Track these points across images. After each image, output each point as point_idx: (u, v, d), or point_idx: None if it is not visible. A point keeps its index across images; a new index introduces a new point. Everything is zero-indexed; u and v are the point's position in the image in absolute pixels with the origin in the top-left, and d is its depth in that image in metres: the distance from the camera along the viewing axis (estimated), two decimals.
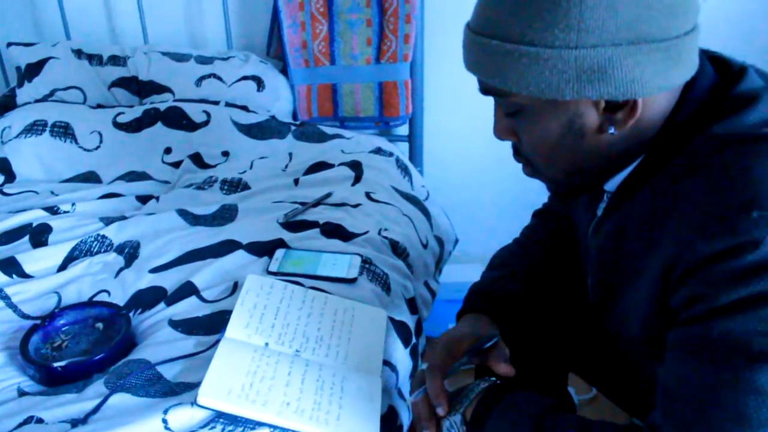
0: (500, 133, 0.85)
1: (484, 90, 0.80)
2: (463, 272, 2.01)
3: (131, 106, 1.84)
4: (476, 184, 2.20)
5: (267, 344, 1.05)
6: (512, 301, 1.08)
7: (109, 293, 1.25)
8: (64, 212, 1.49)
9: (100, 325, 1.18)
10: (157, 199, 1.56)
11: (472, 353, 0.97)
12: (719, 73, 0.78)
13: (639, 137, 0.77)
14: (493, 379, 0.96)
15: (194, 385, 0.97)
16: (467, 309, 1.10)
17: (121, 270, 1.31)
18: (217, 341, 1.04)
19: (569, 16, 0.67)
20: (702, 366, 0.68)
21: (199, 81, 1.86)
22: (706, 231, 0.67)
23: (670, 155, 0.76)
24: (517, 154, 0.86)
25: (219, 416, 0.92)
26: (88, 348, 1.13)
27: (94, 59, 1.91)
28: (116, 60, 1.92)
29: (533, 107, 0.76)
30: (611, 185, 0.85)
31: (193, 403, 0.92)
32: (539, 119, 0.77)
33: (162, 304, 1.20)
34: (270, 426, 0.92)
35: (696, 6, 0.72)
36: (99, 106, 1.87)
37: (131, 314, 1.19)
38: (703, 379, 0.68)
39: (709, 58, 0.79)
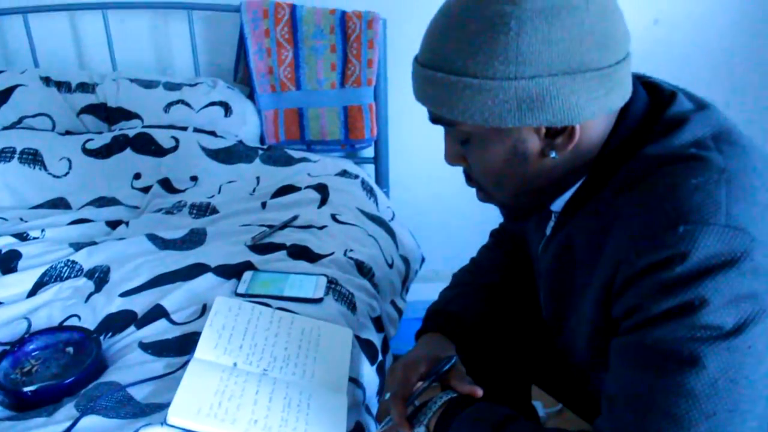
0: (451, 159, 0.90)
1: (434, 119, 0.84)
2: (431, 290, 2.02)
3: (100, 133, 1.87)
4: (441, 203, 2.25)
5: (235, 364, 1.08)
6: (467, 318, 1.12)
7: (79, 318, 1.27)
8: (34, 238, 1.50)
9: (70, 349, 1.19)
10: (127, 224, 1.58)
11: (432, 376, 1.01)
12: (652, 98, 0.84)
13: (579, 160, 0.82)
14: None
15: (164, 406, 0.99)
16: (424, 329, 1.14)
17: (91, 294, 1.32)
18: (187, 362, 1.07)
19: (508, 49, 0.72)
20: (638, 372, 0.73)
21: (168, 107, 1.90)
22: (639, 246, 0.72)
23: (608, 176, 0.81)
24: (470, 179, 0.91)
25: None
26: (58, 372, 1.14)
27: (63, 86, 1.93)
28: (85, 87, 1.94)
29: (479, 135, 0.81)
30: (557, 206, 0.90)
31: (163, 422, 0.95)
32: (486, 146, 0.82)
33: (132, 327, 1.22)
34: None
35: (626, 36, 0.78)
36: (68, 132, 1.89)
37: (102, 338, 1.21)
38: (640, 384, 0.72)
39: (642, 83, 0.85)
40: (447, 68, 0.77)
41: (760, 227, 0.69)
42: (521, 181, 0.85)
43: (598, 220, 0.82)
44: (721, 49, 2.07)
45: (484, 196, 0.92)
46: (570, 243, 0.89)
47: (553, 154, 0.80)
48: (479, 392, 0.96)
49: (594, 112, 0.76)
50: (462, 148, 0.86)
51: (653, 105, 0.83)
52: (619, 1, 0.78)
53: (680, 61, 1.98)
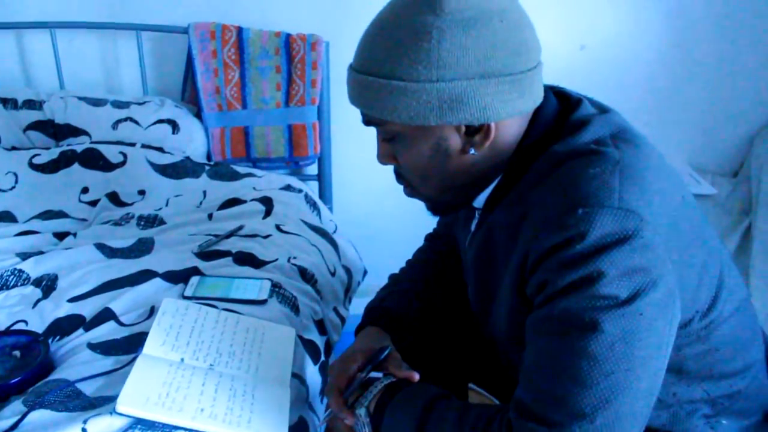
0: (382, 158, 0.99)
1: (366, 121, 0.93)
2: None
3: (48, 148, 1.89)
4: (383, 220, 2.34)
5: (182, 359, 1.13)
6: (402, 313, 1.20)
7: (26, 323, 1.29)
8: None
9: (17, 353, 1.20)
10: (75, 235, 1.61)
11: (370, 365, 1.08)
12: (560, 103, 0.94)
13: (497, 158, 0.92)
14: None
15: (113, 398, 1.02)
16: (362, 325, 1.21)
17: (38, 301, 1.34)
18: (135, 358, 1.11)
19: (430, 55, 0.82)
20: (547, 341, 0.82)
21: (116, 124, 1.94)
22: (546, 228, 0.81)
23: (522, 172, 0.91)
24: (399, 176, 1.00)
25: (137, 422, 0.98)
26: (4, 374, 1.15)
27: (9, 103, 1.95)
28: (32, 104, 1.96)
29: (406, 133, 0.90)
30: (479, 202, 1.00)
31: (112, 412, 0.98)
32: (412, 144, 0.91)
33: (80, 330, 1.25)
34: (186, 429, 0.99)
35: (537, 47, 0.89)
36: (14, 148, 1.91)
37: (50, 341, 1.23)
38: (549, 351, 0.81)
39: (553, 92, 0.96)
40: (376, 72, 0.85)
41: (648, 210, 0.79)
42: (445, 176, 0.94)
43: (514, 212, 0.91)
44: (644, 72, 2.24)
45: (411, 191, 1.00)
46: (491, 235, 0.98)
47: (472, 151, 0.90)
48: (416, 376, 1.03)
49: (508, 112, 0.86)
50: (391, 147, 0.95)
51: (561, 109, 0.93)
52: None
53: (605, 84, 2.13)
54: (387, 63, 0.84)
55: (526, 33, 0.86)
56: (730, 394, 0.98)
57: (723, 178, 2.27)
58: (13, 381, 1.11)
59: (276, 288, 1.37)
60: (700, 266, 0.89)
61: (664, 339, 0.81)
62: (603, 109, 0.94)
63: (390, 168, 1.03)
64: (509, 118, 0.88)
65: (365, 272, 1.90)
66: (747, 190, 2.15)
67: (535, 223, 0.84)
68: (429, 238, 1.39)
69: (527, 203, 0.88)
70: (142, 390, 1.03)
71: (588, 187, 0.80)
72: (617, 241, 0.77)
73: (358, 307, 1.90)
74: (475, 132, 0.88)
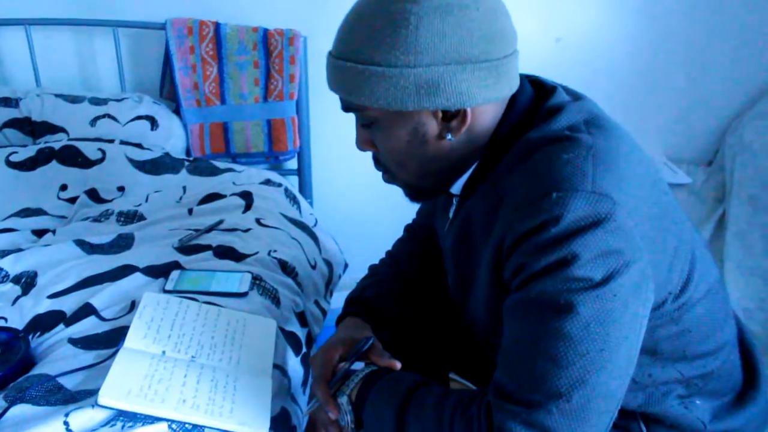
0: (361, 144, 1.00)
1: (345, 107, 0.94)
2: None
3: (24, 146, 1.88)
4: (364, 213, 2.35)
5: (164, 352, 1.13)
6: (382, 302, 1.21)
7: (6, 320, 1.28)
8: None
9: None
10: (54, 232, 1.60)
11: (353, 356, 1.09)
12: (536, 91, 0.96)
13: (473, 144, 0.94)
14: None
15: (94, 392, 1.02)
16: (344, 315, 1.23)
17: (18, 298, 1.34)
18: (116, 352, 1.12)
19: (407, 41, 0.83)
20: (524, 323, 0.83)
21: (94, 121, 1.93)
22: (521, 213, 0.83)
23: (498, 158, 0.93)
24: (377, 162, 1.02)
25: (119, 415, 0.99)
26: None
27: None
28: (7, 102, 1.96)
29: (384, 119, 0.91)
30: (456, 188, 1.01)
31: (94, 404, 0.99)
32: (390, 129, 0.92)
33: (61, 326, 1.25)
34: (168, 420, 1.00)
35: (513, 35, 0.91)
36: None
37: (30, 337, 1.23)
38: (526, 333, 0.83)
39: (529, 81, 0.98)
40: (355, 58, 0.87)
41: (621, 193, 0.81)
42: (422, 162, 0.95)
43: (490, 198, 0.93)
44: (618, 64, 2.27)
45: (390, 177, 1.02)
46: (468, 222, 1.00)
47: (449, 137, 0.91)
48: (397, 365, 1.05)
49: (484, 98, 0.88)
50: (370, 133, 0.96)
51: (537, 97, 0.95)
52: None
53: (580, 75, 2.15)
54: (366, 49, 0.86)
55: (502, 20, 0.88)
56: (703, 374, 1.00)
57: (698, 167, 2.31)
58: None
59: (257, 281, 1.38)
60: (672, 249, 0.91)
61: (637, 319, 0.83)
62: (577, 97, 0.96)
63: (370, 162, 1.04)
64: (485, 104, 0.90)
65: (346, 265, 1.91)
66: (721, 178, 2.19)
67: (510, 208, 0.86)
68: (408, 228, 1.40)
69: (503, 189, 0.90)
70: (123, 382, 1.03)
71: (562, 171, 0.82)
72: (591, 224, 0.79)
73: (339, 300, 1.90)
74: (451, 117, 0.90)
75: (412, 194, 1.05)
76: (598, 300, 0.79)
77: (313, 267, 1.63)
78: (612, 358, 0.80)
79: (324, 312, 1.61)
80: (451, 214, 1.08)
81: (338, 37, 0.91)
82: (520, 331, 0.84)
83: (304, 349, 1.35)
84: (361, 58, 0.86)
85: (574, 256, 0.78)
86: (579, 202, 0.79)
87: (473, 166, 0.97)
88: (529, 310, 0.82)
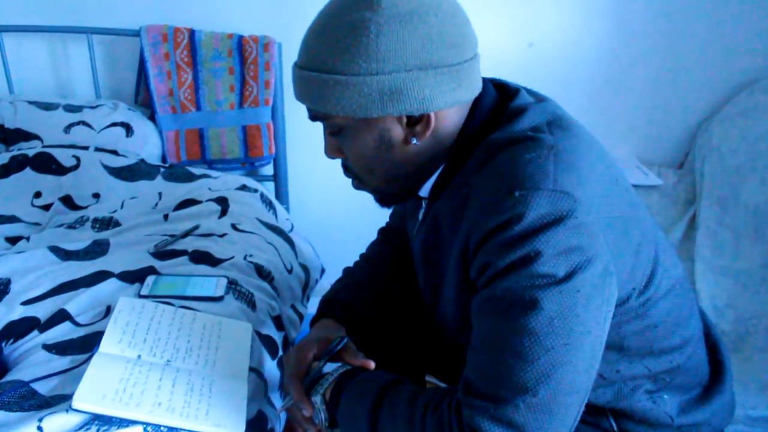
0: (329, 152, 1.01)
1: (312, 116, 0.96)
2: None
3: None
4: (340, 217, 2.36)
5: (139, 356, 1.14)
6: (356, 303, 1.23)
7: None
8: None
9: None
10: (28, 239, 1.59)
11: (326, 355, 1.10)
12: (499, 94, 0.98)
13: (439, 147, 0.95)
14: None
15: (69, 397, 1.02)
16: (318, 316, 1.24)
17: None
18: (91, 357, 1.11)
19: (368, 49, 0.85)
20: (490, 320, 0.84)
21: (68, 128, 1.93)
22: (485, 212, 0.84)
23: (463, 160, 0.94)
24: (346, 170, 1.03)
25: (94, 419, 0.99)
26: None
27: None
28: None
29: (350, 126, 0.93)
30: (424, 191, 1.03)
31: (68, 409, 0.99)
32: (356, 136, 0.94)
33: (35, 332, 1.24)
34: (143, 423, 1.00)
35: (473, 40, 0.92)
36: None
37: (3, 344, 1.22)
38: (492, 331, 0.84)
39: (492, 84, 1.00)
40: (319, 68, 0.88)
41: (582, 191, 0.83)
42: (390, 167, 0.97)
43: (456, 199, 0.95)
44: (589, 67, 2.30)
45: (359, 183, 1.03)
46: (436, 223, 1.02)
47: (414, 141, 0.93)
48: (371, 364, 1.06)
49: (446, 102, 0.90)
50: (338, 140, 0.97)
51: (500, 99, 0.97)
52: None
53: (552, 80, 2.19)
54: (328, 59, 0.87)
55: (461, 26, 0.90)
56: (670, 369, 1.02)
57: (669, 169, 2.34)
58: None
59: (232, 285, 1.38)
60: (635, 245, 0.93)
61: (601, 314, 0.85)
62: (539, 98, 0.98)
63: None
64: (448, 108, 0.92)
65: (323, 270, 1.91)
66: (691, 180, 2.22)
67: (475, 208, 0.88)
68: (382, 231, 1.41)
69: (469, 189, 0.92)
70: (98, 386, 1.03)
71: (524, 171, 0.83)
72: (553, 222, 0.80)
73: (317, 304, 1.92)
74: (416, 122, 0.92)
75: (382, 199, 1.07)
76: (561, 296, 0.80)
77: (290, 271, 1.64)
78: (576, 352, 0.82)
79: (301, 316, 1.62)
80: (420, 217, 1.09)
81: (302, 48, 0.93)
82: (486, 328, 0.85)
83: (280, 353, 1.35)
84: (325, 67, 0.88)
85: (537, 253, 0.80)
86: (541, 200, 0.81)
87: (440, 169, 0.99)
88: (494, 308, 0.84)
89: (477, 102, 0.95)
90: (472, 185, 0.91)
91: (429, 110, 0.89)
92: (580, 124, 0.95)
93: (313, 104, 0.92)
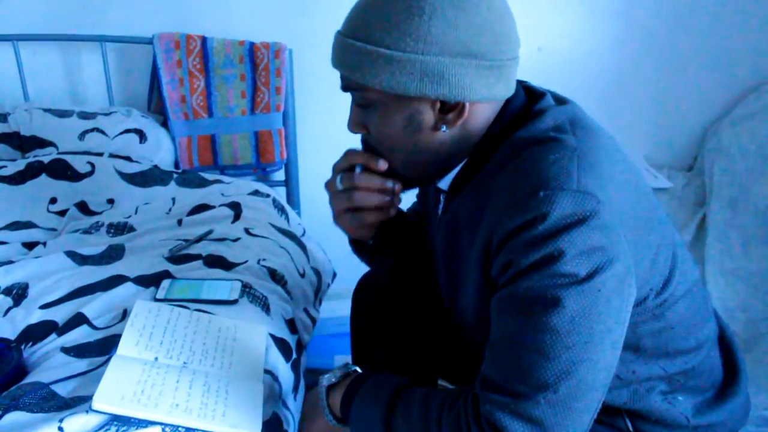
0: (353, 126, 1.02)
1: (345, 86, 0.97)
2: (344, 307, 2.14)
3: (14, 160, 1.90)
4: None
5: (156, 359, 1.15)
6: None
7: None
8: None
9: None
10: (44, 244, 1.61)
11: None
12: (527, 96, 1.00)
13: (465, 140, 0.97)
14: (356, 368, 1.12)
15: (88, 398, 1.03)
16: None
17: (9, 309, 1.35)
18: (109, 359, 1.13)
19: (419, 28, 0.86)
20: (512, 318, 0.86)
21: (82, 135, 1.95)
22: (509, 211, 0.85)
23: (487, 157, 0.96)
24: (366, 147, 1.04)
25: (113, 419, 1.00)
26: None
27: None
28: None
29: (383, 102, 0.94)
30: (444, 183, 1.04)
31: (89, 410, 1.00)
32: (387, 113, 0.95)
33: (53, 335, 1.26)
34: (161, 424, 1.02)
35: (517, 42, 0.94)
36: None
37: (22, 347, 1.24)
38: (513, 328, 0.85)
39: (522, 86, 1.01)
40: (366, 39, 0.90)
41: (605, 192, 0.84)
42: (412, 150, 0.98)
43: (478, 196, 0.96)
44: (598, 72, 2.32)
45: None
46: (456, 219, 1.03)
47: (444, 129, 0.94)
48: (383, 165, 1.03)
49: (483, 95, 0.91)
50: (364, 114, 0.99)
51: (527, 101, 0.99)
52: None
53: (561, 83, 2.18)
54: (377, 31, 0.89)
55: (509, 24, 0.92)
56: (684, 371, 1.03)
57: (678, 172, 2.35)
58: None
59: (246, 288, 1.39)
60: (654, 247, 0.94)
61: (621, 314, 0.86)
62: (562, 101, 0.99)
63: None
64: (484, 102, 0.93)
65: (334, 274, 1.93)
66: (701, 183, 2.23)
67: (498, 207, 0.89)
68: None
69: (490, 188, 0.93)
70: (117, 388, 1.05)
71: (548, 171, 0.85)
72: (576, 222, 0.81)
73: (328, 309, 1.93)
74: (449, 110, 0.93)
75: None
76: (583, 295, 0.81)
77: (302, 275, 1.65)
78: (597, 350, 0.83)
79: (313, 320, 1.63)
80: (439, 212, 1.11)
81: (350, 17, 0.94)
82: (508, 325, 0.86)
83: (294, 356, 1.36)
84: (372, 39, 0.89)
85: (561, 253, 0.81)
86: (565, 200, 0.82)
87: (461, 164, 1.00)
88: (516, 306, 0.85)
89: (507, 103, 0.97)
90: (494, 184, 0.92)
91: (465, 99, 0.90)
92: (601, 127, 0.96)
93: (351, 73, 0.93)
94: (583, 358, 0.82)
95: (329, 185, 1.09)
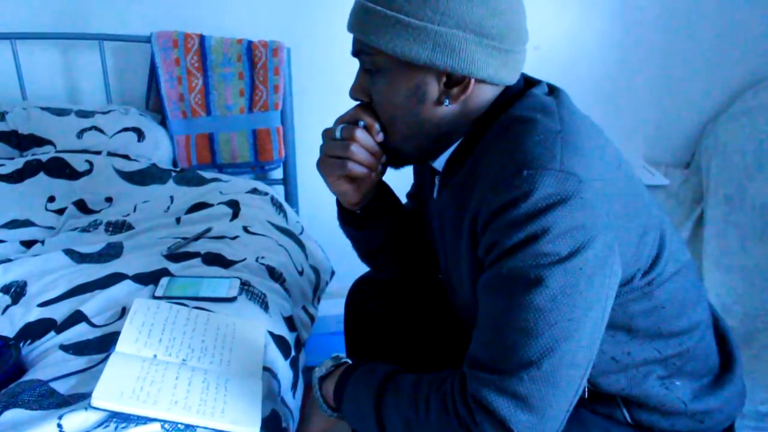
0: (356, 92, 1.04)
1: (357, 50, 0.99)
2: (343, 305, 2.14)
3: (12, 158, 1.90)
4: None
5: (155, 356, 1.15)
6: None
7: None
8: None
9: None
10: (42, 242, 1.62)
11: None
12: (525, 85, 1.02)
13: (464, 118, 0.99)
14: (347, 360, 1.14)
15: (87, 395, 1.04)
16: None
17: (8, 307, 1.35)
18: (108, 356, 1.13)
19: (439, 1, 0.89)
20: (496, 298, 0.87)
21: (80, 133, 1.95)
22: (494, 190, 0.87)
23: (478, 138, 0.98)
24: None
25: (112, 416, 1.01)
26: None
27: None
28: None
29: (391, 69, 0.96)
30: (439, 163, 1.06)
31: (87, 407, 1.00)
32: (392, 80, 0.97)
33: (52, 333, 1.26)
34: (161, 421, 1.02)
35: (527, 34, 0.97)
36: None
37: (21, 345, 1.24)
38: (497, 308, 0.87)
39: (523, 77, 1.04)
40: (386, 4, 0.92)
41: (587, 173, 0.86)
42: (413, 122, 1.00)
43: (468, 177, 0.98)
44: (595, 70, 2.32)
45: None
46: (451, 200, 1.04)
47: (446, 103, 0.96)
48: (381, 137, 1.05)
49: (490, 75, 0.94)
50: (370, 81, 1.00)
51: (524, 88, 1.01)
52: None
53: (559, 82, 2.18)
54: None
55: (521, 16, 0.95)
56: (679, 353, 1.05)
57: (675, 169, 2.36)
58: None
59: (245, 286, 1.40)
60: (640, 227, 0.96)
61: (603, 291, 0.88)
62: (554, 89, 1.02)
63: None
64: (488, 82, 0.96)
65: (333, 273, 1.93)
66: (698, 180, 2.24)
67: (483, 186, 0.91)
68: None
69: (479, 168, 0.95)
70: (116, 385, 1.05)
71: (533, 151, 0.86)
72: (559, 201, 0.83)
73: (326, 307, 1.93)
74: (454, 84, 0.95)
75: (394, 158, 1.09)
76: (565, 273, 0.83)
77: (300, 273, 1.65)
78: (579, 327, 0.85)
79: (312, 317, 1.63)
80: (435, 195, 1.12)
81: None
82: (493, 305, 0.88)
83: (293, 353, 1.37)
84: (393, 5, 0.92)
85: (543, 232, 0.83)
86: (548, 179, 0.83)
87: (456, 143, 1.02)
88: (500, 286, 0.87)
89: (506, 89, 0.99)
90: (484, 162, 0.94)
91: (472, 74, 0.93)
92: (586, 115, 0.99)
93: (365, 36, 0.95)
94: (566, 335, 0.84)
95: (327, 132, 1.10)
